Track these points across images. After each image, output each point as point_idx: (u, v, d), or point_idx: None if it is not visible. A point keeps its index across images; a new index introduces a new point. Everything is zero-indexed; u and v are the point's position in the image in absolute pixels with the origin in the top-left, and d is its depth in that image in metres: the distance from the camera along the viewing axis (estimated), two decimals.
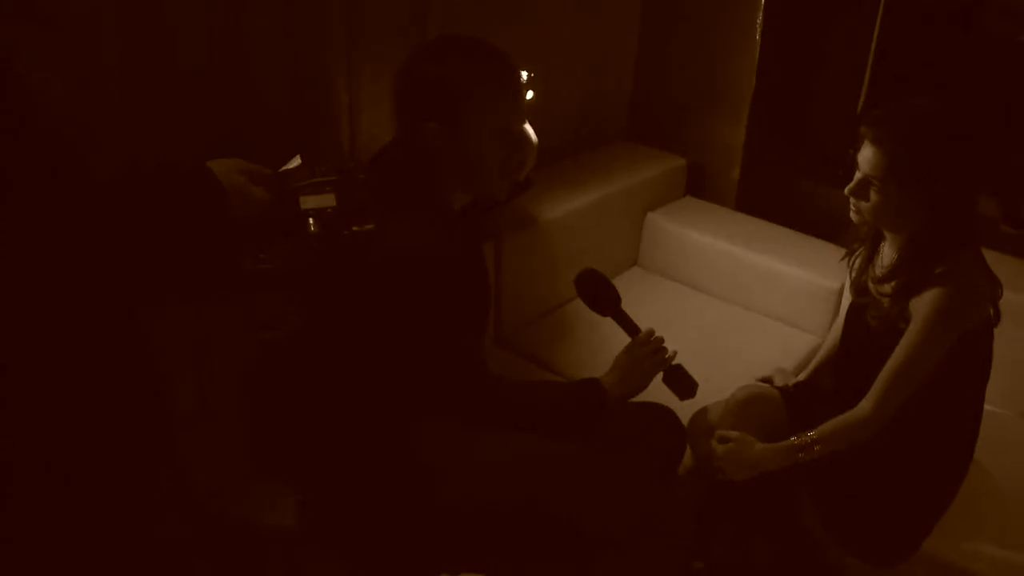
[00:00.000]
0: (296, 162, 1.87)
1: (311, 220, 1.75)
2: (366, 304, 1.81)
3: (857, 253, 2.25)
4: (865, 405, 2.03)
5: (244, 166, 1.69)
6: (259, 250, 1.79)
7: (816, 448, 2.04)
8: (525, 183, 2.22)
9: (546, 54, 3.02)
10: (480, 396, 1.88)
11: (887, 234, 2.13)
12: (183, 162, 1.65)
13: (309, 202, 1.77)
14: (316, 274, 1.87)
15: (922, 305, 2.00)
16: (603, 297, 2.11)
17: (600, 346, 2.72)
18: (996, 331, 2.10)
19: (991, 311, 2.06)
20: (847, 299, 2.30)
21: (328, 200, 1.77)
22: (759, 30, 3.26)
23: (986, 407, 2.19)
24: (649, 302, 3.09)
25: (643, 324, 2.11)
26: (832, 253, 2.99)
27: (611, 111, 3.56)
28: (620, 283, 3.08)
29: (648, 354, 2.05)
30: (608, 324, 2.11)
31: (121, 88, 2.04)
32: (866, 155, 2.00)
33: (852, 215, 2.10)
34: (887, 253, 2.14)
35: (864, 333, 2.15)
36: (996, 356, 2.12)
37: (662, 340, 2.08)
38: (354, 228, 1.78)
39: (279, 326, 2.05)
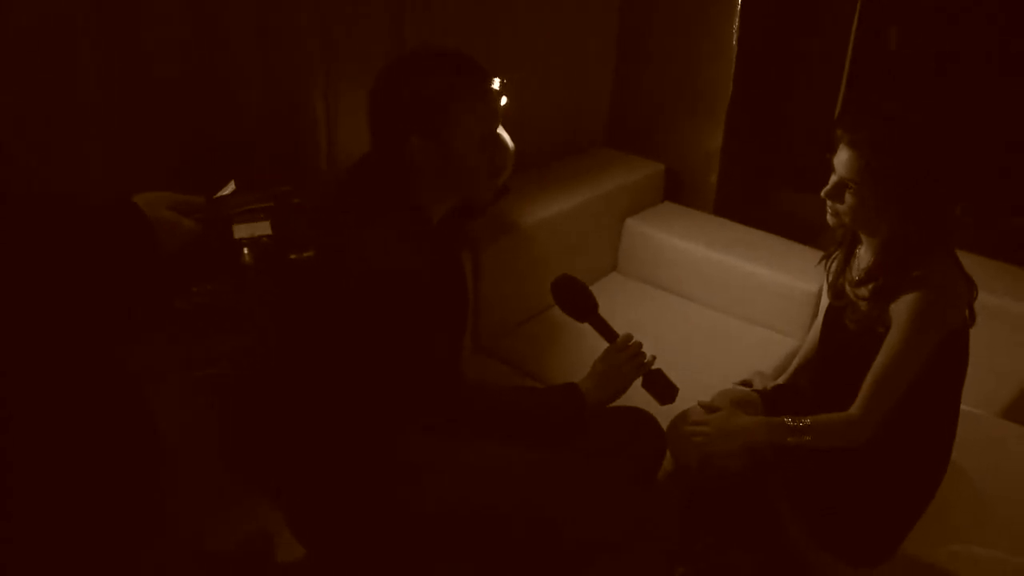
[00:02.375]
0: (231, 188, 1.82)
1: (245, 250, 1.70)
2: (344, 316, 1.80)
3: (833, 257, 2.26)
4: (854, 409, 2.04)
5: (172, 198, 1.65)
6: (191, 285, 1.74)
7: (806, 437, 2.05)
8: (502, 189, 2.22)
9: (524, 62, 3.02)
10: (457, 404, 1.88)
11: (863, 237, 2.14)
12: (107, 197, 1.61)
13: (242, 231, 1.71)
14: (289, 291, 1.85)
15: (901, 309, 2.01)
16: (579, 303, 2.11)
17: (581, 352, 2.72)
18: (973, 332, 2.12)
19: (967, 313, 2.08)
20: (824, 302, 2.31)
21: (263, 228, 1.72)
22: (736, 36, 3.28)
23: (964, 408, 2.20)
24: (628, 307, 3.10)
25: (622, 329, 2.11)
26: (809, 256, 3.00)
27: (589, 117, 3.57)
28: (599, 288, 3.10)
29: (626, 359, 2.05)
30: (589, 330, 2.12)
31: (97, 99, 2.03)
32: (842, 158, 2.01)
33: (829, 218, 2.11)
34: (863, 256, 2.16)
35: (842, 336, 2.16)
36: (973, 357, 2.14)
37: (640, 345, 2.08)
38: (292, 256, 1.74)
39: (213, 365, 2.02)
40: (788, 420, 2.07)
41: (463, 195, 1.92)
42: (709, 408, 2.17)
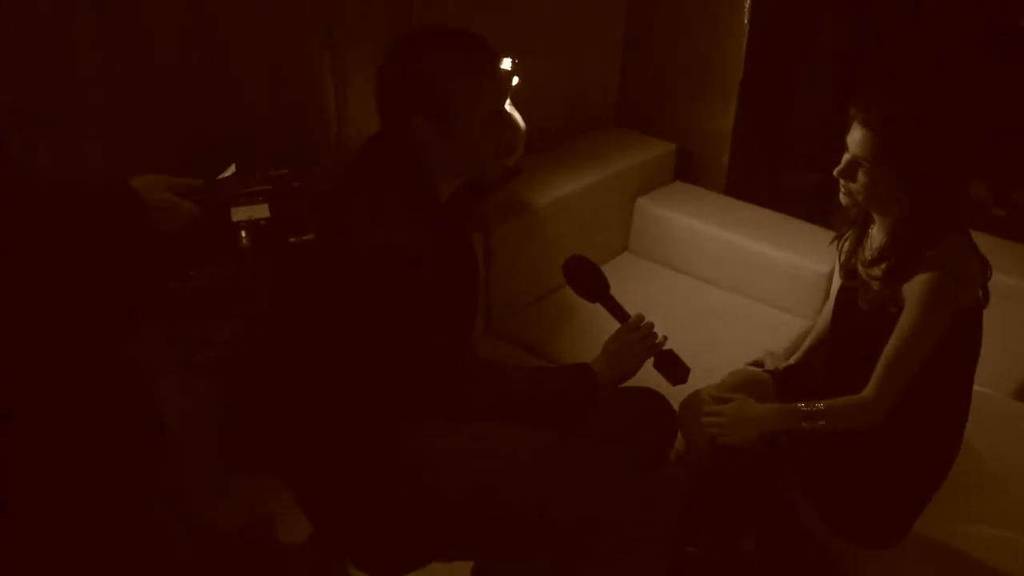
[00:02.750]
0: (231, 171, 1.82)
1: (243, 233, 1.70)
2: (350, 295, 1.80)
3: (846, 236, 2.25)
4: (868, 391, 2.04)
5: (170, 181, 1.65)
6: (189, 268, 1.74)
7: (820, 422, 2.05)
8: (513, 170, 2.21)
9: (533, 41, 3.01)
10: (467, 384, 1.88)
11: (876, 217, 2.13)
12: (104, 179, 1.61)
13: (240, 213, 1.71)
14: (296, 271, 1.85)
15: (914, 289, 2.00)
16: (590, 283, 2.10)
17: (593, 332, 2.72)
18: (987, 313, 2.11)
19: (980, 293, 2.07)
20: (836, 283, 2.30)
21: (261, 211, 1.72)
22: (747, 15, 3.25)
23: (977, 388, 2.19)
24: (640, 287, 3.09)
25: (633, 309, 2.11)
26: (821, 237, 2.99)
27: (600, 97, 3.56)
28: (611, 269, 3.08)
29: (638, 340, 2.05)
30: (601, 311, 2.11)
31: (99, 89, 2.02)
32: (855, 137, 2.00)
33: (841, 197, 2.10)
34: (876, 236, 2.14)
35: (855, 316, 2.15)
36: (987, 337, 2.13)
37: (652, 325, 2.08)
38: (291, 239, 1.74)
39: (211, 348, 2.02)
40: (802, 406, 2.07)
41: (469, 174, 1.92)
42: (721, 400, 2.16)
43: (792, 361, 2.42)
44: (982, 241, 2.09)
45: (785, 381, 2.31)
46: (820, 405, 2.06)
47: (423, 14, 2.58)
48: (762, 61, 3.38)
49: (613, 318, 2.10)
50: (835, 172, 2.06)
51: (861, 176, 2.01)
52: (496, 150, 1.89)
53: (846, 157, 2.04)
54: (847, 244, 2.24)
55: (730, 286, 3.14)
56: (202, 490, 2.12)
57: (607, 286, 2.10)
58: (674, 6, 3.42)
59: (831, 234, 2.32)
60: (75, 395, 1.61)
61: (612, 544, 1.88)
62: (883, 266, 2.07)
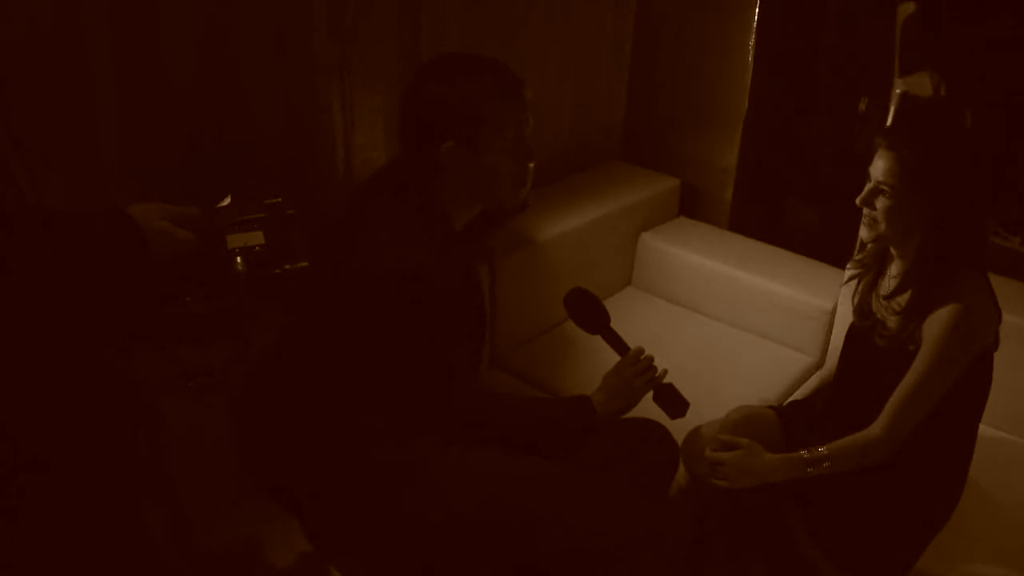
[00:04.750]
0: (227, 202, 1.85)
1: (238, 259, 1.73)
2: (361, 319, 1.81)
3: (861, 277, 2.24)
4: (876, 427, 2.02)
5: (167, 209, 1.68)
6: (185, 294, 1.77)
7: (825, 464, 2.02)
8: (522, 204, 2.22)
9: (539, 75, 3.03)
10: (468, 410, 1.89)
11: (895, 254, 2.12)
12: (103, 207, 1.64)
13: (236, 240, 1.75)
14: (304, 288, 1.86)
15: (935, 324, 1.98)
16: (591, 316, 2.11)
17: (596, 367, 2.71)
18: (1003, 353, 2.10)
19: (996, 334, 2.06)
20: (840, 322, 2.29)
21: (256, 238, 1.76)
22: (752, 52, 3.28)
23: (993, 431, 2.16)
24: (643, 322, 3.10)
25: (636, 343, 2.11)
26: (825, 273, 3.00)
27: (604, 132, 3.58)
28: (614, 303, 3.10)
29: (637, 373, 2.05)
30: (602, 344, 2.12)
31: (112, 107, 2.04)
32: (878, 164, 2.00)
33: (862, 231, 2.08)
34: (894, 272, 2.14)
35: (868, 356, 2.13)
36: (1005, 380, 2.11)
37: (651, 359, 2.08)
38: (286, 267, 1.77)
39: (207, 374, 2.03)
40: (804, 454, 2.04)
41: (489, 202, 1.93)
42: (727, 445, 2.14)
43: (798, 397, 2.40)
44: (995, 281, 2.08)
45: (789, 417, 2.31)
46: (823, 450, 2.03)
47: (431, 46, 2.60)
48: (766, 97, 3.41)
49: (614, 352, 2.10)
50: (857, 201, 2.05)
51: (883, 200, 2.01)
52: (520, 178, 1.90)
53: (868, 186, 2.03)
54: (862, 284, 2.23)
55: (733, 321, 3.14)
56: (196, 510, 2.12)
57: (608, 319, 2.10)
58: (679, 42, 3.45)
59: (834, 270, 2.32)
60: (72, 412, 1.62)
61: (618, 571, 1.86)
62: (902, 300, 2.06)
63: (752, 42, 3.26)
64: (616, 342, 2.10)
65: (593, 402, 2.01)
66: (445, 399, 1.85)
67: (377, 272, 1.76)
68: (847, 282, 2.29)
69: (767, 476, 2.06)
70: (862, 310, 2.20)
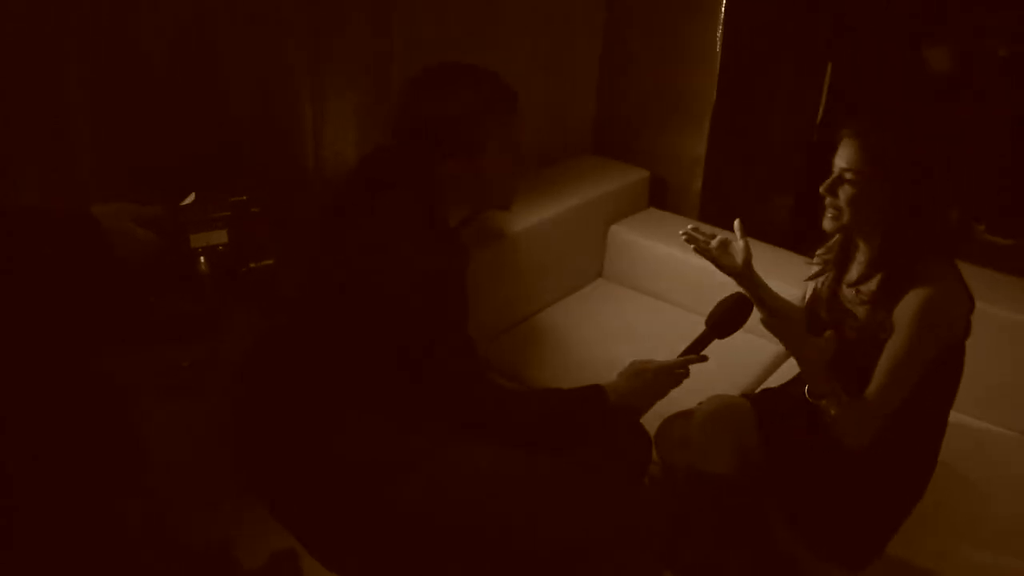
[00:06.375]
0: (191, 199, 1.84)
1: (201, 259, 1.72)
2: (361, 320, 1.80)
3: (825, 271, 2.25)
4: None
5: (129, 210, 1.67)
6: (149, 294, 1.76)
7: (822, 401, 2.01)
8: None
9: (510, 70, 3.01)
10: (472, 402, 1.88)
11: (860, 243, 2.13)
12: (66, 207, 1.63)
13: (199, 240, 1.74)
14: (289, 289, 1.85)
15: (906, 308, 2.00)
16: (732, 322, 2.13)
17: (568, 358, 2.74)
18: (982, 344, 2.13)
19: (967, 322, 2.08)
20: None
21: (219, 237, 1.75)
22: (719, 43, 3.29)
23: (990, 426, 2.18)
24: (614, 313, 3.10)
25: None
26: (794, 262, 3.01)
27: (575, 125, 3.58)
28: (585, 294, 3.10)
29: (676, 381, 2.06)
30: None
31: (85, 104, 2.02)
32: (843, 152, 2.02)
33: (825, 222, 2.09)
34: (860, 261, 2.15)
35: (840, 347, 2.15)
36: (1001, 375, 2.12)
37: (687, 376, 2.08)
38: (251, 265, 1.76)
39: (174, 374, 2.01)
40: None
41: (483, 205, 1.95)
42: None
43: (771, 385, 2.41)
44: (967, 272, 2.10)
45: (764, 407, 2.32)
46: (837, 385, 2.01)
47: (402, 45, 2.60)
48: (734, 89, 3.42)
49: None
50: (821, 189, 2.06)
51: (847, 190, 2.02)
52: (515, 182, 1.93)
53: (833, 175, 2.05)
54: (829, 279, 2.23)
55: (704, 311, 3.14)
56: (174, 509, 2.11)
57: (736, 329, 2.13)
58: (648, 36, 3.46)
59: (803, 259, 2.33)
60: (46, 412, 1.61)
61: (597, 562, 1.87)
62: (870, 288, 2.08)
63: (720, 33, 3.28)
64: (702, 346, 2.10)
65: (609, 390, 1.99)
66: (448, 388, 1.85)
67: (376, 272, 1.76)
68: (812, 277, 2.30)
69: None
70: (831, 304, 2.21)
